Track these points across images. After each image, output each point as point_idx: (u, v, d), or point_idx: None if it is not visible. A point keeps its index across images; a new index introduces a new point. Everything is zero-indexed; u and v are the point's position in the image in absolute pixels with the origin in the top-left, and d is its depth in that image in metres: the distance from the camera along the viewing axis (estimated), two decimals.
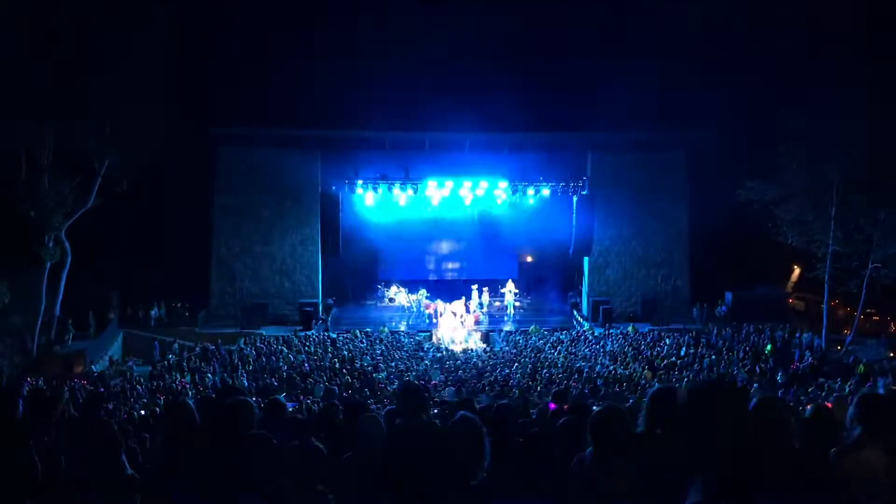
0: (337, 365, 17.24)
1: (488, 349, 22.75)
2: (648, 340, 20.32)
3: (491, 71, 23.50)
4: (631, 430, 3.07)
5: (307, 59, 23.82)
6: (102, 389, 13.95)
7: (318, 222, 25.61)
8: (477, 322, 25.57)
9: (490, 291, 27.11)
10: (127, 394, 14.16)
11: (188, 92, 21.80)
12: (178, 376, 16.37)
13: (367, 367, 17.48)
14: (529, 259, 29.69)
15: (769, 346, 18.49)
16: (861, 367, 15.83)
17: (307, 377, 15.86)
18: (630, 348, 19.32)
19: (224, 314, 24.79)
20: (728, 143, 22.42)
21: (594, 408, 4.15)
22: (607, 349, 19.72)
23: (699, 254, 26.07)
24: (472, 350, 22.54)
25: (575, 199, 26.01)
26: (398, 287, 27.84)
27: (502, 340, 23.43)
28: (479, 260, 28.87)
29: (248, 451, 3.36)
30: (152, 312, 24.31)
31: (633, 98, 21.74)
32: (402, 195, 25.58)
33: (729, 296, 25.52)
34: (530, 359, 18.89)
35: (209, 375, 16.33)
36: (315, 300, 25.63)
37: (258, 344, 20.04)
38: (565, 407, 5.68)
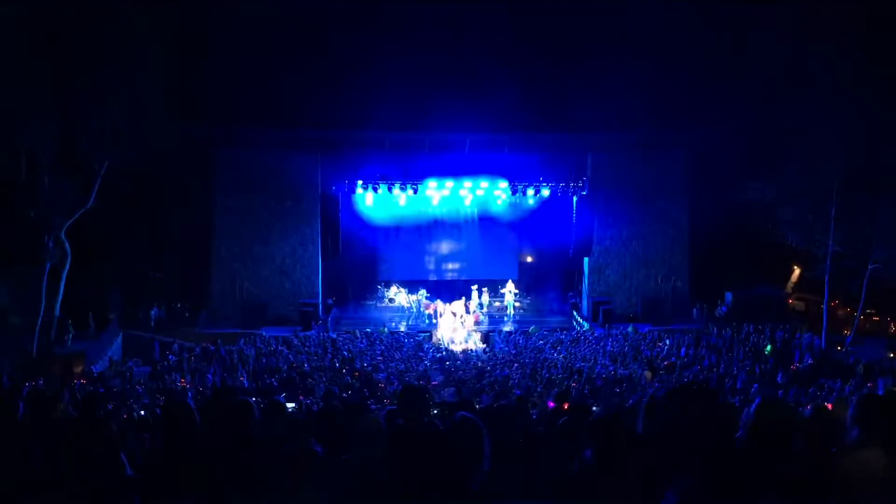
0: (337, 365, 17.24)
1: (488, 349, 22.74)
2: (648, 341, 20.32)
3: (491, 71, 23.49)
4: (631, 431, 3.07)
5: (307, 60, 23.81)
6: (102, 390, 13.94)
7: (318, 223, 25.63)
8: (477, 322, 25.56)
9: (490, 292, 27.11)
10: (127, 394, 14.15)
11: (188, 92, 21.80)
12: (179, 377, 16.37)
13: (367, 367, 17.48)
14: (529, 259, 29.66)
15: (769, 347, 18.48)
16: (861, 368, 15.84)
17: (307, 377, 15.85)
18: (630, 349, 19.33)
19: (224, 314, 24.77)
20: (728, 143, 22.41)
21: (594, 408, 4.16)
22: (607, 350, 19.71)
23: (699, 254, 26.06)
24: (472, 350, 22.53)
25: (575, 199, 26.03)
26: (398, 287, 27.85)
27: (502, 341, 23.41)
28: (478, 260, 28.83)
29: (248, 452, 3.35)
30: (152, 313, 24.29)
31: (633, 98, 21.72)
32: (402, 195, 25.59)
33: (729, 296, 25.50)
34: (530, 359, 18.88)
35: (209, 376, 16.33)
36: (315, 300, 25.62)
37: (258, 344, 20.04)
38: (565, 406, 5.68)
